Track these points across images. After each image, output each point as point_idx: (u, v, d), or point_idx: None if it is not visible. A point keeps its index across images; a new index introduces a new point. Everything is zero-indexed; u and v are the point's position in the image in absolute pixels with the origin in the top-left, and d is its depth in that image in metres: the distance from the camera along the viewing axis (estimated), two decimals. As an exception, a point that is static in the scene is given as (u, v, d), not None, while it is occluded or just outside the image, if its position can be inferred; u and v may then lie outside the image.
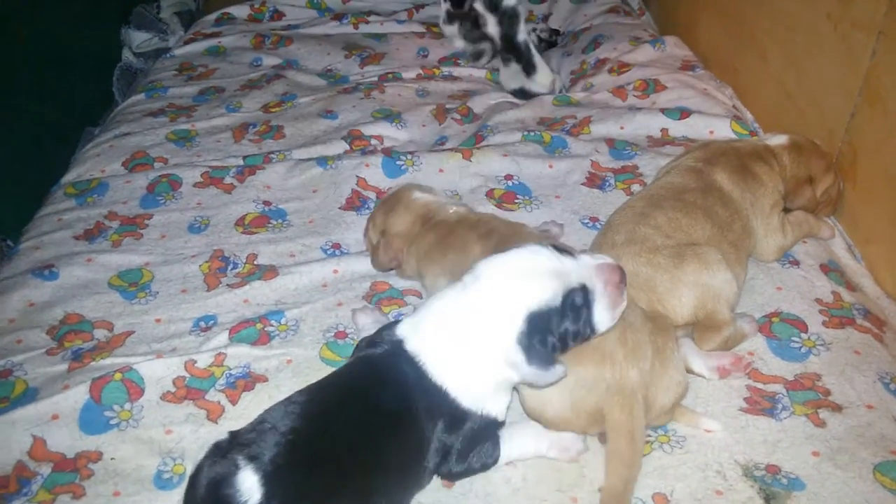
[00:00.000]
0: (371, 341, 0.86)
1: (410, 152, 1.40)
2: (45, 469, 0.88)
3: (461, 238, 1.03)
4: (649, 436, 0.90)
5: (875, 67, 1.18)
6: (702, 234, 1.01)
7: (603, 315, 0.80)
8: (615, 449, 0.81)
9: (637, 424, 0.82)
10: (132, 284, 1.15)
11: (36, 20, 1.61)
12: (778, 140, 1.20)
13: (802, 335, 1.02)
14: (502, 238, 1.01)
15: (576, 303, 0.78)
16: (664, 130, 1.46)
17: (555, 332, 0.78)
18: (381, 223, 1.11)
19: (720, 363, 0.96)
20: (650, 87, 1.59)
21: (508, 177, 1.34)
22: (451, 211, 1.09)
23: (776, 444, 0.88)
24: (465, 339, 0.80)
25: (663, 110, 1.49)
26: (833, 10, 1.30)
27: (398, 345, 0.82)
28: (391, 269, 1.13)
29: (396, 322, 0.86)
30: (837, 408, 0.92)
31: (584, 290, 0.79)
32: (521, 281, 0.79)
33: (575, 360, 0.84)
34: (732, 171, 1.13)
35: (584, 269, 0.80)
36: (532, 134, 1.44)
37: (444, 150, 1.42)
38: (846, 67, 1.25)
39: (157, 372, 0.99)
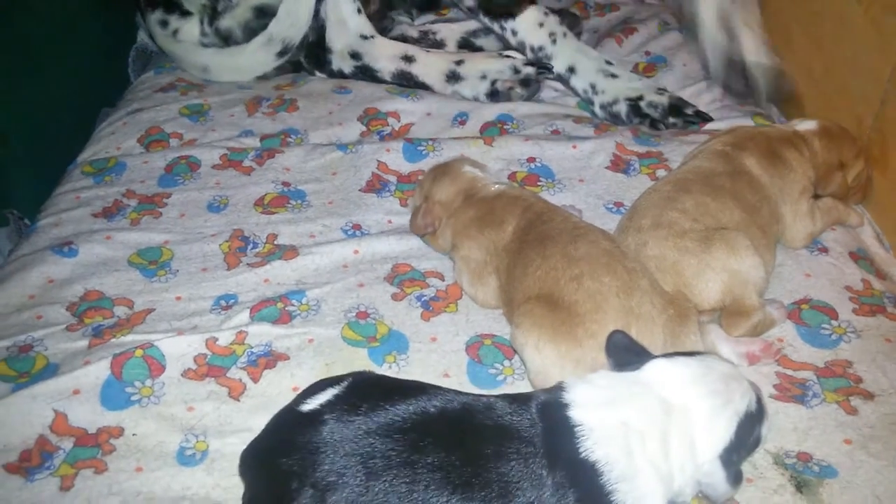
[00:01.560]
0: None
1: (432, 139, 1.38)
2: (67, 444, 0.88)
3: (499, 214, 1.03)
4: (677, 421, 0.89)
5: (907, 52, 1.17)
6: (730, 218, 1.00)
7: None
8: None
9: None
10: (152, 262, 1.14)
11: (51, 2, 1.59)
12: (807, 125, 1.19)
13: (833, 322, 1.01)
14: (537, 216, 1.00)
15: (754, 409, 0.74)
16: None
17: (747, 443, 0.73)
18: (427, 188, 1.12)
19: (749, 349, 0.95)
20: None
21: (531, 159, 1.32)
22: (493, 188, 1.09)
23: (807, 431, 0.87)
24: (652, 443, 0.71)
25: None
26: (862, -6, 1.28)
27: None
28: (425, 234, 1.13)
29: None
30: (869, 396, 0.91)
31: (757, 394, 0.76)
32: (725, 385, 0.74)
33: (572, 347, 0.85)
34: (761, 155, 1.11)
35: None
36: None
37: (465, 137, 1.40)
38: (876, 53, 1.23)
39: (179, 349, 0.98)
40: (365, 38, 1.58)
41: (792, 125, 1.20)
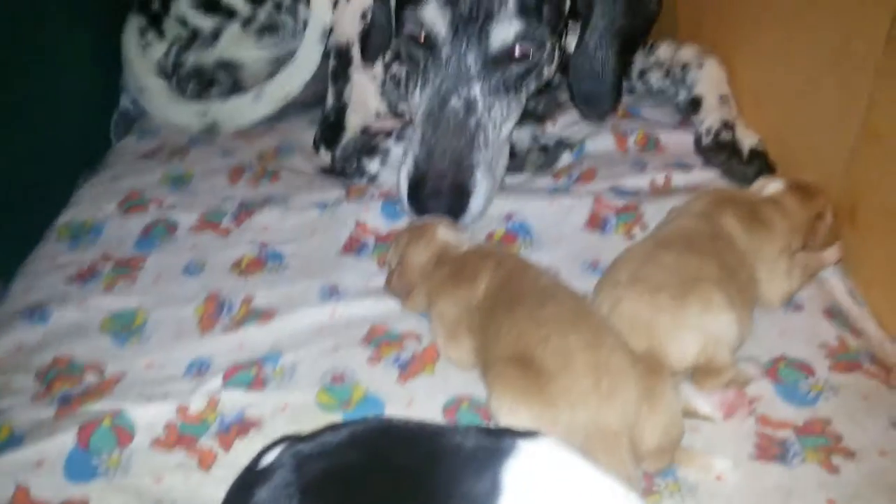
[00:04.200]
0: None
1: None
2: (28, 519, 0.85)
3: (471, 270, 1.04)
4: (658, 485, 0.87)
5: (873, 107, 1.19)
6: (709, 274, 1.00)
7: None
8: None
9: (628, 467, 0.80)
10: (125, 328, 1.13)
11: (36, 62, 1.61)
12: (775, 186, 1.20)
13: (810, 379, 1.00)
14: (509, 274, 1.01)
15: None
16: (667, 179, 1.44)
17: None
18: (402, 250, 1.12)
19: (723, 398, 0.94)
20: (650, 143, 1.58)
21: (509, 216, 1.32)
22: (464, 248, 1.10)
23: (790, 492, 0.86)
24: None
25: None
26: (829, 51, 1.30)
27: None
28: (399, 296, 1.13)
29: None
30: (850, 454, 0.90)
31: None
32: None
33: (546, 406, 0.83)
34: (742, 216, 1.12)
35: None
36: None
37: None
38: (844, 108, 1.26)
39: (149, 417, 0.96)
40: (379, 115, 1.59)
41: (759, 188, 1.22)
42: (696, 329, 0.94)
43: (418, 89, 1.32)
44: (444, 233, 1.13)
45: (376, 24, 1.48)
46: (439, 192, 1.25)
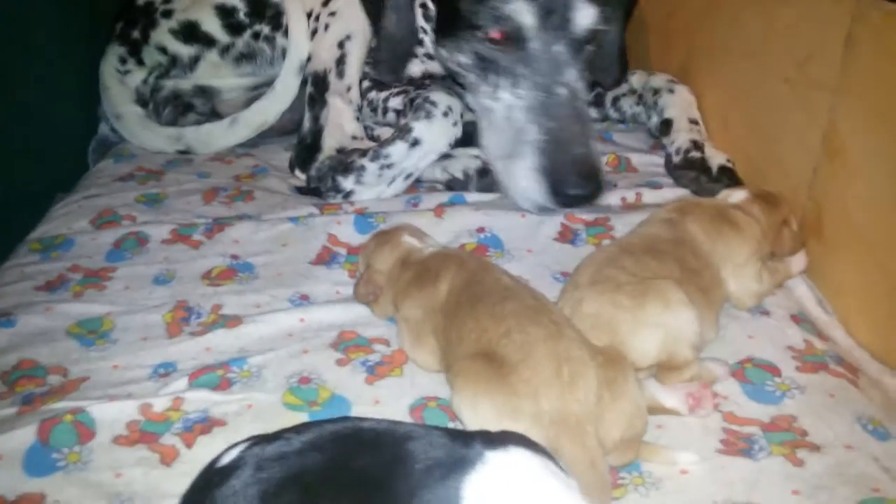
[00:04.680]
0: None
1: (383, 212, 1.40)
2: (-18, 512, 0.83)
3: (434, 272, 1.04)
4: (623, 478, 0.87)
5: (833, 122, 1.22)
6: (669, 274, 1.01)
7: None
8: (580, 480, 0.78)
9: (594, 452, 0.80)
10: (91, 332, 1.12)
11: (15, 87, 1.63)
12: (739, 195, 1.22)
13: (776, 379, 1.01)
14: (471, 275, 1.01)
15: None
16: (638, 195, 1.47)
17: None
18: (368, 257, 1.13)
19: (688, 391, 0.94)
20: (622, 164, 1.61)
21: (480, 230, 1.34)
22: (428, 251, 1.10)
23: (755, 483, 0.85)
24: None
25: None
26: (790, 72, 1.35)
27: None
28: (368, 301, 1.13)
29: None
30: (815, 448, 0.90)
31: None
32: None
33: (508, 396, 0.83)
34: (707, 221, 1.14)
35: None
36: None
37: (416, 210, 1.42)
38: (806, 125, 1.29)
39: (111, 415, 0.95)
40: (355, 138, 1.60)
41: (724, 197, 1.24)
42: (655, 326, 0.95)
43: (501, 88, 1.34)
44: (408, 238, 1.14)
45: (395, 38, 1.48)
46: (588, 176, 1.28)
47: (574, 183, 1.27)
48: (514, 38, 1.31)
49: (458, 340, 0.94)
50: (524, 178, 1.31)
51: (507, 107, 1.35)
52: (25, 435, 0.90)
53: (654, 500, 0.84)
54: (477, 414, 0.85)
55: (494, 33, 1.31)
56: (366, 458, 0.71)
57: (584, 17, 1.31)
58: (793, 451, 0.89)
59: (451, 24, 1.39)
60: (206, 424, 0.95)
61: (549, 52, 1.31)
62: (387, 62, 1.52)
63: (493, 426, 0.82)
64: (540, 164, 1.29)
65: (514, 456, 0.71)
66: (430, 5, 1.58)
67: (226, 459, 0.73)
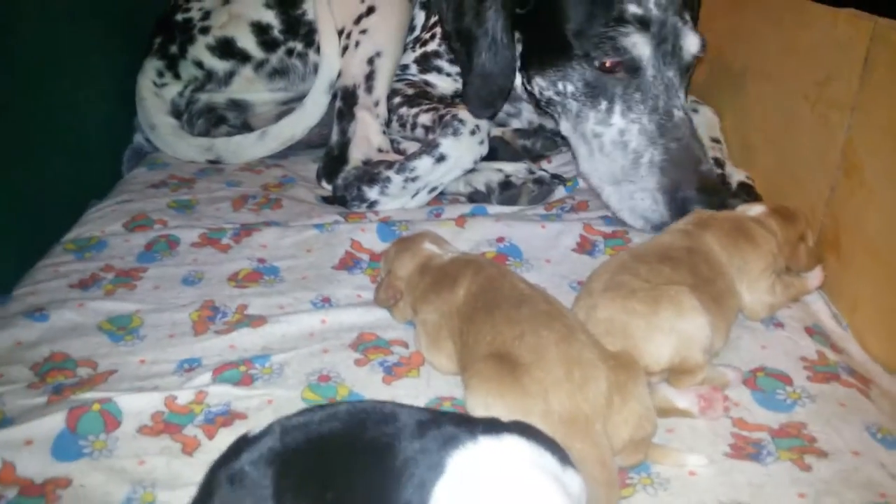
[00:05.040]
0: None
1: (406, 220, 1.44)
2: (11, 492, 0.86)
3: (452, 276, 1.07)
4: (631, 478, 0.88)
5: (850, 141, 1.24)
6: (682, 281, 1.03)
7: None
8: (590, 477, 0.79)
9: (603, 450, 0.82)
10: (121, 328, 1.16)
11: (54, 95, 1.69)
12: (757, 210, 1.24)
13: (787, 388, 1.02)
14: (488, 281, 1.03)
15: None
16: (655, 210, 1.48)
17: None
18: (389, 262, 1.16)
19: (699, 393, 0.96)
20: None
21: (500, 239, 1.37)
22: (446, 258, 1.13)
23: (761, 486, 0.86)
24: None
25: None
26: (810, 92, 1.37)
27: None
28: (387, 306, 1.17)
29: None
30: (823, 454, 0.91)
31: None
32: None
33: (519, 396, 0.85)
34: (724, 234, 1.16)
35: None
36: None
37: (438, 220, 1.45)
38: (824, 144, 1.31)
39: (137, 406, 0.98)
40: (381, 151, 1.65)
41: (742, 212, 1.25)
42: (668, 331, 0.96)
43: (614, 114, 1.39)
44: (428, 245, 1.17)
45: (492, 74, 1.50)
46: (713, 192, 1.34)
47: (701, 200, 1.31)
48: (629, 67, 1.36)
49: (474, 343, 0.96)
50: (645, 198, 1.36)
51: (619, 131, 1.39)
52: (54, 422, 0.94)
53: (661, 499, 0.85)
54: (489, 411, 0.87)
55: (609, 62, 1.36)
56: (377, 430, 0.75)
57: (692, 45, 1.39)
58: (801, 457, 0.90)
59: (553, 54, 1.43)
60: (228, 417, 0.98)
61: (663, 77, 1.37)
62: (482, 98, 1.54)
63: None
64: (663, 183, 1.34)
65: (506, 442, 0.74)
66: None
67: (256, 430, 0.78)
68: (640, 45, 1.35)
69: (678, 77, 1.39)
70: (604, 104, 1.40)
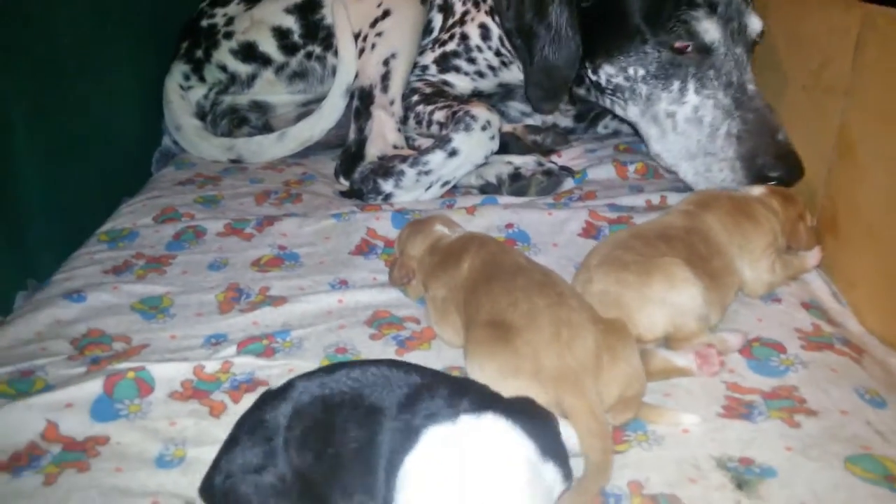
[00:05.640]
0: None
1: (420, 210, 1.50)
2: (56, 448, 0.94)
3: (457, 253, 1.13)
4: (628, 436, 0.94)
5: (844, 124, 1.29)
6: (675, 255, 1.08)
7: None
8: (583, 429, 0.85)
9: (593, 403, 0.87)
10: (152, 308, 1.24)
11: (89, 100, 1.79)
12: (758, 190, 1.29)
13: (781, 355, 1.07)
14: (491, 256, 1.10)
15: None
16: (663, 197, 1.54)
17: None
18: (402, 243, 1.23)
19: (696, 350, 1.01)
20: (650, 172, 1.69)
21: (509, 225, 1.43)
22: (454, 237, 1.19)
23: (751, 441, 0.91)
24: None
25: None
26: (807, 81, 1.42)
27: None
28: (401, 285, 1.24)
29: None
30: (812, 413, 0.95)
31: None
32: None
33: (511, 357, 0.91)
34: (725, 213, 1.20)
35: None
36: None
37: (450, 209, 1.52)
38: (820, 128, 1.36)
39: (168, 374, 1.06)
40: (396, 147, 1.72)
41: (745, 192, 1.30)
42: (661, 303, 1.02)
43: (689, 92, 1.45)
44: (439, 227, 1.23)
45: (555, 66, 1.56)
46: (791, 160, 1.39)
47: (780, 167, 1.38)
48: (700, 48, 1.43)
49: (475, 313, 1.02)
50: (724, 168, 1.42)
51: (693, 108, 1.45)
52: (93, 387, 1.02)
53: (655, 453, 0.90)
54: (483, 373, 0.93)
55: (681, 45, 1.43)
56: (377, 396, 0.82)
57: (756, 23, 1.45)
58: (790, 416, 0.95)
59: (622, 41, 1.49)
60: (251, 384, 1.05)
61: (734, 54, 1.44)
62: (545, 90, 1.60)
63: (498, 383, 0.89)
64: (741, 153, 1.40)
65: (483, 423, 0.77)
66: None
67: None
68: (711, 30, 1.41)
69: (746, 54, 1.45)
70: (676, 84, 1.46)
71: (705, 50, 1.43)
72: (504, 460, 0.75)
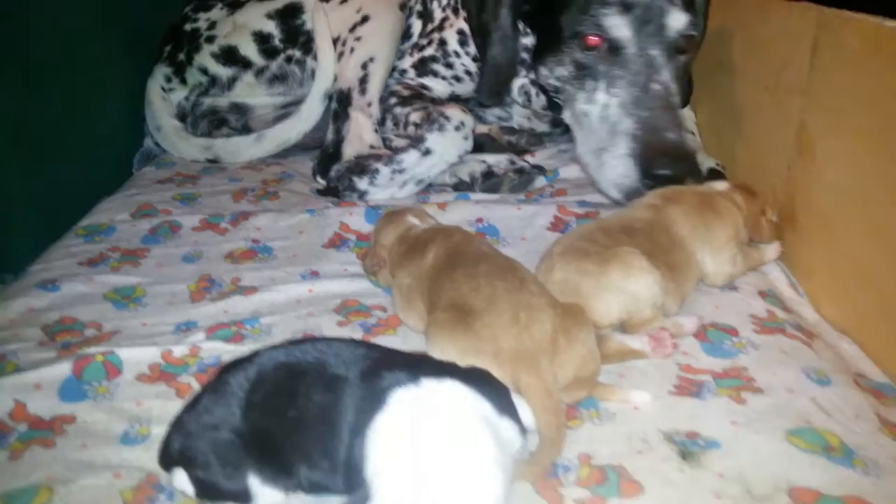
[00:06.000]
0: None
1: (393, 206, 1.53)
2: (22, 427, 0.96)
3: (423, 243, 1.16)
4: (580, 412, 0.96)
5: (803, 123, 1.33)
6: (635, 245, 1.11)
7: None
8: (538, 406, 0.88)
9: (548, 382, 0.90)
10: (125, 297, 1.26)
11: (70, 101, 1.82)
12: (722, 185, 1.33)
13: (734, 339, 1.10)
14: (455, 246, 1.13)
15: None
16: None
17: None
18: (376, 233, 1.27)
19: (649, 333, 1.04)
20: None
21: (479, 220, 1.46)
22: (422, 229, 1.22)
23: (698, 417, 0.94)
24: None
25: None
26: (769, 82, 1.46)
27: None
28: (373, 272, 1.27)
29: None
30: (759, 390, 0.98)
31: None
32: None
33: (471, 338, 0.94)
34: (690, 206, 1.24)
35: None
36: None
37: (423, 205, 1.55)
38: (781, 127, 1.40)
39: (136, 357, 1.08)
40: (372, 147, 1.75)
41: (710, 187, 1.34)
42: (617, 290, 1.05)
43: (598, 91, 1.46)
44: (411, 219, 1.26)
45: (501, 65, 1.63)
46: (679, 158, 1.38)
47: (666, 164, 1.37)
48: (612, 46, 1.44)
49: (437, 300, 1.05)
50: (615, 165, 1.41)
51: (602, 106, 1.46)
52: (62, 369, 1.04)
53: (606, 428, 0.93)
54: (444, 355, 0.95)
55: (593, 39, 1.45)
56: (341, 367, 0.85)
57: (678, 19, 1.43)
58: (738, 394, 0.98)
59: (552, 41, 1.52)
60: (218, 367, 1.07)
61: (646, 55, 1.44)
62: (491, 87, 1.69)
63: (459, 364, 0.92)
64: (633, 149, 1.40)
65: (445, 386, 0.82)
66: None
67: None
68: (620, 26, 1.42)
69: (664, 54, 1.45)
70: (590, 83, 1.48)
71: (616, 49, 1.44)
72: (467, 416, 0.80)
